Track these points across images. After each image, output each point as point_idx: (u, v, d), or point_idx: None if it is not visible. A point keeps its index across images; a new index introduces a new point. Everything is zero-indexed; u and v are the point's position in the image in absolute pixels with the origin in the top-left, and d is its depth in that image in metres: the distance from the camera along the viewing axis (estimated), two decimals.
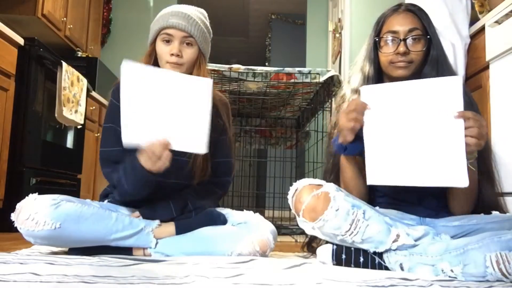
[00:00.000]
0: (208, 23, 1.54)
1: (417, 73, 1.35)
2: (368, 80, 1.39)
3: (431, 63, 1.34)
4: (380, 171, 1.21)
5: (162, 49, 1.46)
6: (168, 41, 1.45)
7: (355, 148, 1.28)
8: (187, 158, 1.49)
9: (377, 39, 1.37)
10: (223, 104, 1.61)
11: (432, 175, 1.15)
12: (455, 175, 1.12)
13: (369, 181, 1.23)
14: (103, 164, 1.48)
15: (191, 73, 1.50)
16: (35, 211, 1.29)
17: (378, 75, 1.40)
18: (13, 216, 1.33)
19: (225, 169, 1.59)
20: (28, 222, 1.29)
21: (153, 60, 1.51)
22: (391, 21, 1.35)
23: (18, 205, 1.34)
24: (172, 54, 1.44)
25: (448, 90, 1.13)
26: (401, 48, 1.30)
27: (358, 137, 1.24)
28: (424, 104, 1.16)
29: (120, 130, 1.45)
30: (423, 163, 1.16)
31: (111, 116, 1.50)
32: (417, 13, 1.36)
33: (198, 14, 1.51)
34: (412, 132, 1.17)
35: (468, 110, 1.16)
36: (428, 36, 1.33)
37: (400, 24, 1.33)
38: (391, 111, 1.20)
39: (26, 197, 1.34)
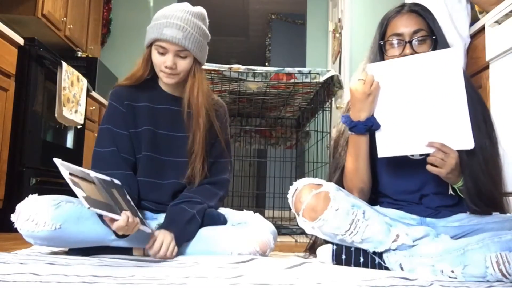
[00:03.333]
0: (205, 26, 1.50)
1: None
2: None
3: None
4: (389, 143, 1.27)
5: (157, 59, 1.45)
6: (162, 53, 1.43)
7: (364, 125, 1.30)
8: (184, 158, 1.49)
9: (382, 43, 1.35)
10: (220, 106, 1.60)
11: (440, 141, 1.21)
12: (460, 137, 1.20)
13: (380, 154, 1.28)
14: (94, 164, 1.46)
15: (186, 81, 1.49)
16: (35, 212, 1.29)
17: None
18: (13, 217, 1.33)
19: (219, 168, 1.57)
20: (28, 223, 1.29)
21: (150, 63, 1.49)
22: (395, 23, 1.33)
23: (18, 206, 1.33)
24: (166, 67, 1.43)
25: (446, 61, 1.21)
26: (407, 51, 1.29)
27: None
28: (426, 76, 1.23)
29: (117, 132, 1.46)
30: (430, 130, 1.23)
31: (110, 118, 1.49)
32: (421, 13, 1.33)
33: (194, 20, 1.45)
34: (417, 103, 1.24)
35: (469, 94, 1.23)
36: (434, 37, 1.32)
37: (405, 26, 1.31)
38: (394, 85, 1.26)
39: (26, 198, 1.34)
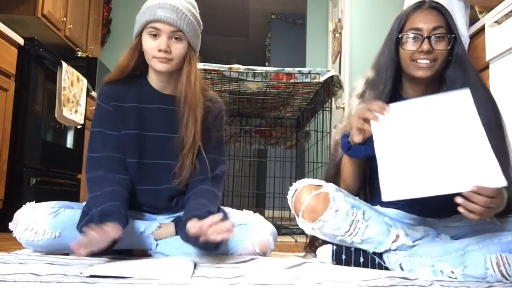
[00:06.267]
0: (198, 15, 1.44)
1: (439, 74, 1.31)
2: (386, 80, 1.33)
3: (455, 63, 1.30)
4: (396, 186, 1.13)
5: (149, 44, 1.36)
6: (155, 35, 1.35)
7: (359, 151, 1.26)
8: (170, 161, 1.41)
9: (399, 36, 1.31)
10: (215, 102, 1.51)
11: (460, 180, 1.07)
12: (488, 175, 1.05)
13: (384, 198, 1.12)
14: (89, 169, 1.39)
15: (181, 69, 1.40)
16: (34, 221, 1.27)
17: (397, 74, 1.34)
18: (11, 226, 1.31)
19: (208, 164, 1.45)
20: (27, 232, 1.27)
21: (138, 54, 1.42)
22: (414, 18, 1.30)
23: (15, 215, 1.31)
24: (160, 50, 1.34)
25: (460, 103, 1.12)
26: (425, 46, 1.26)
27: (365, 143, 1.23)
28: (438, 119, 1.14)
29: (109, 134, 1.40)
30: (445, 172, 1.09)
31: (100, 120, 1.43)
32: (442, 10, 1.32)
33: (187, 5, 1.40)
34: (428, 146, 1.13)
35: (490, 119, 1.20)
36: (453, 35, 1.29)
37: (424, 22, 1.28)
38: (404, 127, 1.17)
39: (24, 206, 1.32)
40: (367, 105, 1.22)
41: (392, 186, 1.13)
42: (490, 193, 1.03)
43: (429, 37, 1.27)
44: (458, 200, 1.05)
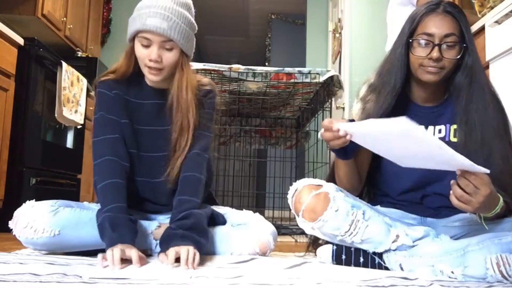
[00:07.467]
0: (191, 16, 1.41)
1: (447, 80, 1.30)
2: (396, 81, 1.31)
3: (464, 71, 1.29)
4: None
5: (141, 52, 1.35)
6: (146, 45, 1.34)
7: (346, 152, 1.28)
8: (164, 153, 1.42)
9: (410, 40, 1.30)
10: (208, 92, 1.49)
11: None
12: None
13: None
14: (95, 156, 1.38)
15: (173, 74, 1.39)
16: (33, 219, 1.28)
17: (406, 76, 1.33)
18: (11, 224, 1.31)
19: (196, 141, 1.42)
20: (26, 230, 1.27)
21: (135, 58, 1.40)
22: (427, 22, 1.28)
23: (15, 213, 1.32)
24: (150, 60, 1.33)
25: (406, 129, 1.00)
26: (435, 54, 1.24)
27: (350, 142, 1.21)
28: (397, 140, 1.07)
29: (111, 118, 1.40)
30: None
31: (101, 106, 1.42)
32: (456, 16, 1.28)
33: (179, 9, 1.36)
34: (409, 158, 1.13)
35: (496, 118, 1.24)
36: (465, 45, 1.28)
37: (437, 27, 1.26)
38: (373, 143, 1.17)
39: (24, 204, 1.32)
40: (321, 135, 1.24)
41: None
42: (472, 179, 1.04)
43: (440, 45, 1.25)
44: (452, 182, 1.08)
